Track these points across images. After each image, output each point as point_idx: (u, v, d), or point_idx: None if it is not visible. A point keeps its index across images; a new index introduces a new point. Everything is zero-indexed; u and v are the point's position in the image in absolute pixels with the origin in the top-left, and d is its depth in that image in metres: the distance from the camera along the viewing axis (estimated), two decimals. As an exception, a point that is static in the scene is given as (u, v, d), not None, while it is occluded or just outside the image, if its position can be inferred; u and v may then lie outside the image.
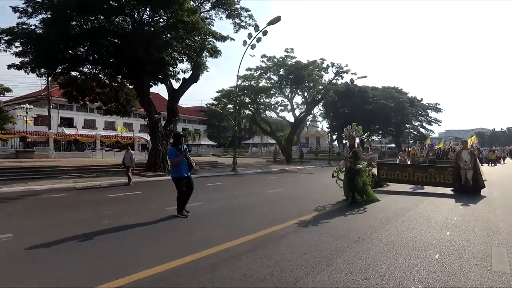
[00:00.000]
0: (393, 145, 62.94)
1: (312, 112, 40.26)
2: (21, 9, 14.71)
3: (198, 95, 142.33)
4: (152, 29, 17.16)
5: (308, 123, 56.10)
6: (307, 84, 33.52)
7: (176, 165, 6.90)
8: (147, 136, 38.90)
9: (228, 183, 14.40)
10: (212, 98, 39.50)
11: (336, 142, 51.78)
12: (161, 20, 17.06)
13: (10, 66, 16.09)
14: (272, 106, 36.02)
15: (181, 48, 16.99)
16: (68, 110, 46.95)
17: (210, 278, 3.49)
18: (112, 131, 43.79)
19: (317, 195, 9.89)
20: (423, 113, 58.49)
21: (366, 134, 13.22)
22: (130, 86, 20.66)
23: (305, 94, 35.49)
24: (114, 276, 3.52)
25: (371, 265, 3.94)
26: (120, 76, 19.75)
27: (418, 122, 59.92)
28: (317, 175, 19.26)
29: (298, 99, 36.35)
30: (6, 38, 14.91)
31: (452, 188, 10.93)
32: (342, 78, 34.01)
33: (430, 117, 59.62)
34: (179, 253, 4.31)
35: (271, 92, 34.41)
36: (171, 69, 18.84)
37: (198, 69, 19.91)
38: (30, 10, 14.78)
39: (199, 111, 67.95)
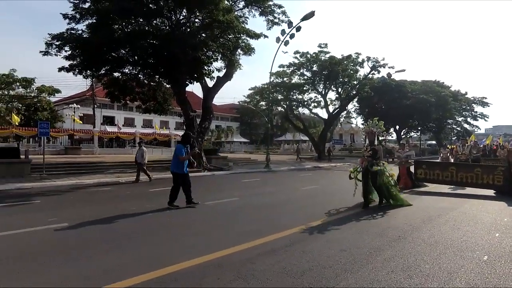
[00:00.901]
0: (434, 142, 59.69)
1: (346, 108, 39.20)
2: (70, 16, 15.84)
3: (231, 93, 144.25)
4: (188, 29, 17.71)
5: (342, 119, 54.81)
6: (341, 79, 32.78)
7: (181, 161, 7.49)
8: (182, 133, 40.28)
9: (261, 180, 14.54)
10: (244, 96, 40.05)
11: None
12: (197, 20, 17.54)
13: (60, 69, 17.39)
14: (305, 103, 35.62)
15: (215, 47, 17.35)
16: (110, 109, 49.69)
17: (250, 270, 3.61)
18: (150, 129, 45.80)
19: (353, 192, 9.69)
20: (468, 107, 54.80)
21: (384, 131, 10.13)
22: (168, 85, 21.45)
23: (339, 89, 34.71)
24: (161, 265, 3.75)
25: (413, 264, 3.84)
26: (158, 76, 20.59)
27: (462, 118, 56.32)
28: (352, 172, 18.82)
29: (331, 95, 35.52)
30: (57, 43, 16.11)
31: (495, 191, 9.77)
32: (379, 72, 32.88)
33: (476, 112, 55.73)
34: (217, 247, 4.47)
35: (304, 88, 34.05)
36: (206, 68, 19.31)
37: (231, 67, 20.25)
38: (77, 16, 15.87)
39: (231, 108, 68.89)
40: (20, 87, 32.60)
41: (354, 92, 34.23)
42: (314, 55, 31.89)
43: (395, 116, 42.75)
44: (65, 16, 15.88)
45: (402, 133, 53.86)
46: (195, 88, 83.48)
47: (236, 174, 17.17)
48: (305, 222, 5.91)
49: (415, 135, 57.97)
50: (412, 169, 11.38)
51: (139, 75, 20.79)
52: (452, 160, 16.29)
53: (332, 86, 34.44)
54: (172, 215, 6.75)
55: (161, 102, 23.13)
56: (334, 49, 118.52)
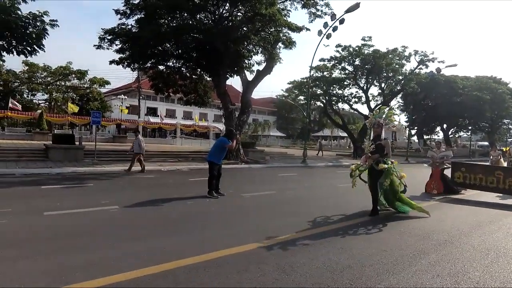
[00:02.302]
0: (486, 143, 55.19)
1: (389, 104, 37.49)
2: (121, 11, 16.75)
3: (268, 86, 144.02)
4: (230, 23, 17.93)
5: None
6: (385, 74, 31.37)
7: (223, 153, 8.03)
8: (221, 126, 41.16)
9: (298, 175, 14.48)
10: (282, 90, 39.84)
11: (415, 138, 47.60)
12: (239, 14, 17.69)
13: (111, 62, 18.51)
14: (345, 98, 34.61)
15: (257, 40, 17.42)
16: (153, 101, 51.99)
17: (290, 263, 3.66)
18: (190, 121, 47.34)
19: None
20: (529, 106, 49.78)
21: (393, 123, 6.56)
22: (208, 79, 21.96)
23: (382, 85, 33.24)
24: (202, 250, 3.94)
25: (461, 271, 3.66)
26: (199, 69, 21.16)
27: (521, 118, 51.30)
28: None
29: (374, 90, 34.27)
30: (109, 37, 17.15)
31: None
32: (427, 67, 30.99)
33: (537, 111, 50.45)
34: (258, 237, 4.58)
35: (345, 83, 33.05)
36: (246, 61, 19.48)
37: (271, 60, 20.22)
38: (128, 11, 16.73)
39: (269, 102, 68.90)
40: (75, 78, 35.28)
41: (398, 88, 32.62)
42: (357, 48, 30.76)
43: (443, 114, 40.09)
44: (116, 11, 16.84)
45: (450, 133, 50.46)
46: (234, 82, 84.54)
47: (272, 168, 17.25)
48: (342, 220, 5.84)
49: (465, 135, 54.00)
50: (447, 172, 9.95)
51: (182, 68, 21.52)
52: (505, 164, 14.63)
53: (375, 81, 33.06)
54: (212, 203, 7.00)
55: (202, 95, 23.79)
56: (379, 43, 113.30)
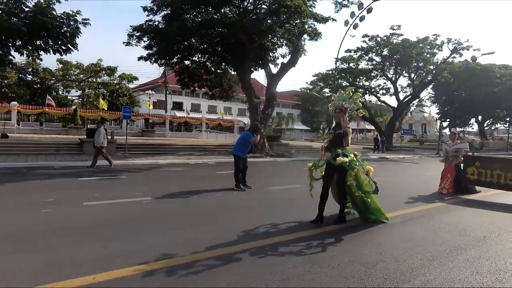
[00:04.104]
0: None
1: (419, 95, 36.04)
2: (149, 8, 17.14)
3: (292, 79, 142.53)
4: (255, 16, 17.86)
5: (413, 108, 50.69)
6: (415, 64, 30.18)
7: (247, 146, 8.12)
8: (245, 120, 41.34)
9: (324, 168, 14.31)
10: (307, 82, 39.30)
11: (447, 130, 45.52)
12: (263, 6, 17.56)
13: (139, 58, 19.05)
14: (372, 90, 33.65)
15: (281, 33, 17.26)
16: (179, 95, 53.00)
17: (321, 257, 3.67)
18: (214, 114, 47.89)
19: (424, 186, 9.00)
20: None
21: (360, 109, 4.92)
22: (233, 73, 22.08)
23: (412, 75, 32.02)
24: (236, 240, 4.03)
25: (503, 268, 3.50)
26: (224, 63, 21.31)
27: None
28: (422, 165, 17.44)
29: (403, 81, 33.23)
30: (137, 34, 17.62)
31: None
32: (461, 56, 29.51)
33: None
34: (286, 230, 4.61)
35: (372, 74, 32.13)
36: (271, 54, 19.39)
37: (296, 53, 19.98)
38: (155, 8, 17.08)
39: (293, 95, 68.22)
40: (105, 75, 36.62)
41: (429, 78, 31.28)
42: (385, 38, 29.76)
43: (478, 105, 38.03)
44: (144, 8, 17.25)
45: (485, 125, 47.83)
46: (257, 75, 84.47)
47: (297, 162, 17.15)
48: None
49: (503, 127, 50.96)
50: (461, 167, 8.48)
51: (207, 63, 21.78)
52: None
53: (404, 72, 31.92)
54: (240, 196, 7.10)
55: (226, 89, 24.01)
56: (409, 31, 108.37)
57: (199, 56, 20.98)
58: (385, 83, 33.56)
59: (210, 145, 21.66)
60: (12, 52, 15.81)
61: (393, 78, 32.36)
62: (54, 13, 14.77)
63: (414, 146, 38.01)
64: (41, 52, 15.72)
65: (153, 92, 38.76)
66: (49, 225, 4.55)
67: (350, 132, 5.05)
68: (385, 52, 30.23)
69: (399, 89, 33.60)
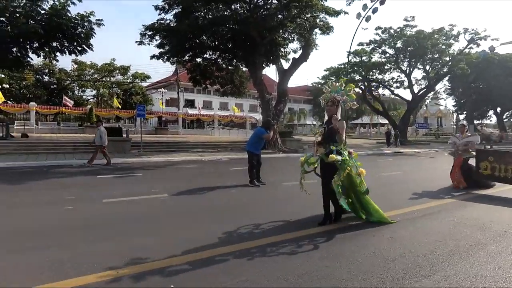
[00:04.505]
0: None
1: (435, 88, 35.22)
2: (160, 7, 17.28)
3: (304, 74, 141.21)
4: (265, 11, 17.78)
5: (428, 101, 49.59)
6: (430, 56, 29.46)
7: (260, 142, 8.16)
8: (257, 116, 41.34)
9: (338, 163, 14.21)
10: (318, 77, 38.89)
11: (465, 123, 44.35)
12: (274, 1, 17.46)
13: (152, 57, 19.28)
14: (386, 83, 33.05)
15: (293, 27, 17.14)
16: (190, 93, 53.42)
17: (339, 250, 3.68)
18: (226, 111, 48.08)
19: (443, 181, 8.82)
20: None
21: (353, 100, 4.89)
22: (245, 69, 22.09)
23: (427, 67, 31.28)
24: (253, 235, 4.07)
25: (527, 263, 3.43)
26: (235, 60, 21.34)
27: None
28: (439, 159, 17.07)
29: (417, 73, 32.51)
30: (150, 33, 17.82)
31: None
32: (478, 46, 28.61)
33: None
34: (302, 225, 4.63)
35: (385, 67, 31.55)
36: (282, 49, 19.28)
37: (308, 48, 19.82)
38: (166, 6, 17.21)
39: (304, 90, 67.71)
40: (119, 74, 37.23)
41: (445, 70, 30.48)
42: (398, 30, 29.11)
43: (496, 97, 36.90)
44: (156, 7, 17.41)
45: (504, 117, 46.41)
46: (268, 71, 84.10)
47: (310, 157, 17.10)
48: (388, 209, 5.68)
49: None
50: (472, 162, 8.13)
51: (218, 60, 21.87)
52: None
53: (419, 64, 31.21)
54: (254, 191, 7.15)
55: (238, 85, 24.09)
56: (423, 23, 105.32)
57: (210, 53, 21.09)
58: (399, 76, 32.92)
59: (222, 142, 21.79)
60: (30, 54, 16.27)
61: (407, 71, 31.70)
62: (69, 14, 15.07)
63: (429, 139, 37.25)
64: (57, 54, 16.07)
65: (166, 90, 39.23)
66: (72, 222, 4.70)
67: (343, 126, 4.67)
68: (398, 45, 29.60)
69: (414, 81, 32.92)
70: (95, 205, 5.69)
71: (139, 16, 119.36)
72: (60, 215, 5.04)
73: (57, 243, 3.80)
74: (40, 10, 14.65)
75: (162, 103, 34.35)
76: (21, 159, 12.10)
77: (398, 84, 33.02)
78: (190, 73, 22.07)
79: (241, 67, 22.92)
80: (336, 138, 4.58)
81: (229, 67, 22.77)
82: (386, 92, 36.45)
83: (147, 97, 39.50)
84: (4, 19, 14.47)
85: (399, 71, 32.03)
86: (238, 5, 18.00)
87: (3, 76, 27.72)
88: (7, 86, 29.92)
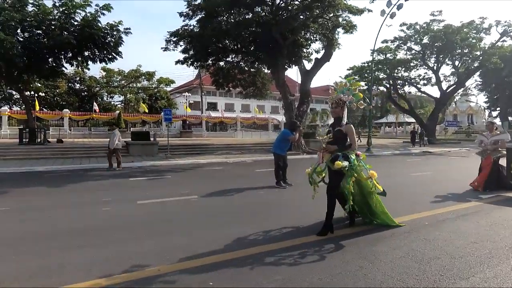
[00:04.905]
0: None
1: (465, 84, 33.78)
2: (184, 13, 17.76)
3: (325, 74, 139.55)
4: (287, 13, 17.80)
5: (457, 97, 47.58)
6: (459, 50, 28.34)
7: (286, 144, 8.23)
8: (279, 117, 41.34)
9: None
10: (340, 76, 38.30)
11: (498, 120, 42.22)
12: (295, 2, 17.46)
13: (176, 62, 19.82)
14: (412, 80, 32.09)
15: (315, 28, 17.08)
16: (213, 96, 54.15)
17: (372, 252, 3.68)
18: (248, 113, 48.38)
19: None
20: None
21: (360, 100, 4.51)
22: (267, 71, 22.22)
23: (456, 63, 30.10)
24: (283, 236, 4.15)
25: None
26: (258, 62, 21.50)
27: None
28: (471, 159, 16.35)
29: (446, 69, 31.32)
30: (174, 39, 18.34)
31: None
32: (512, 38, 27.16)
33: None
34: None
35: (411, 64, 30.65)
36: (305, 50, 19.24)
37: (330, 47, 19.65)
38: (190, 13, 17.66)
39: (326, 90, 66.69)
40: (145, 79, 38.48)
41: (476, 65, 29.19)
42: (424, 25, 28.24)
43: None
44: (180, 14, 17.90)
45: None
46: (290, 72, 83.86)
47: (335, 158, 16.94)
48: (419, 210, 5.58)
49: None
50: (503, 162, 7.53)
51: (241, 63, 22.13)
52: None
53: (447, 60, 30.09)
54: (282, 193, 7.22)
55: (260, 87, 24.29)
56: (451, 17, 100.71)
57: (233, 56, 21.37)
58: (426, 73, 31.91)
59: (246, 144, 21.99)
60: (64, 64, 17.22)
61: (435, 67, 30.63)
62: (99, 25, 15.82)
63: (459, 138, 35.74)
64: (89, 62, 16.90)
65: (190, 94, 40.07)
66: (111, 222, 4.98)
67: (353, 130, 4.31)
68: (425, 40, 28.69)
69: (442, 78, 31.78)
70: (130, 206, 5.97)
71: (162, 23, 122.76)
72: (101, 215, 5.35)
73: (101, 241, 4.04)
74: (73, 21, 15.47)
75: (186, 107, 35.12)
76: (58, 163, 12.83)
77: (425, 81, 31.99)
78: (213, 77, 22.47)
79: (263, 69, 23.07)
80: (344, 142, 4.26)
81: (251, 70, 22.99)
82: (412, 90, 35.35)
83: (171, 101, 40.52)
84: (41, 32, 15.45)
85: (426, 67, 31.04)
86: (260, 8, 18.15)
87: (39, 85, 29.41)
88: (43, 94, 31.77)
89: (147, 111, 29.99)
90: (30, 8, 15.01)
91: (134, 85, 39.14)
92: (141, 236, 4.28)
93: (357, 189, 4.57)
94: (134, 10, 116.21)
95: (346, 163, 4.12)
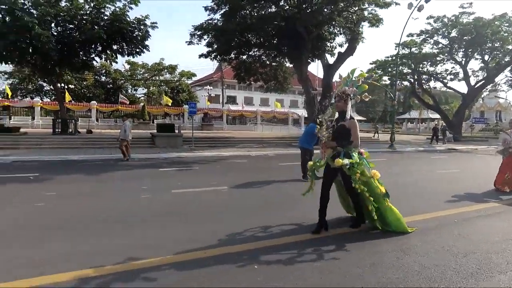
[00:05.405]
0: None
1: (495, 79, 32.41)
2: (210, 7, 17.97)
3: (347, 68, 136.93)
4: (311, 6, 17.67)
5: (485, 93, 45.72)
6: (489, 44, 27.21)
7: (314, 138, 8.04)
8: (298, 111, 41.18)
9: (388, 160, 13.88)
10: (362, 71, 37.44)
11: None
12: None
13: (200, 56, 20.13)
14: (438, 75, 31.13)
15: (341, 21, 16.89)
16: (232, 89, 54.42)
17: (406, 244, 3.78)
18: (267, 107, 48.38)
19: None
20: None
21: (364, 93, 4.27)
22: (290, 65, 22.18)
23: (486, 57, 28.92)
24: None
25: None
26: (280, 56, 21.50)
27: None
28: (500, 157, 15.90)
29: (474, 64, 30.14)
30: (199, 33, 18.61)
31: None
32: (548, 32, 25.79)
33: None
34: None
35: (438, 58, 29.71)
36: (328, 44, 19.07)
37: (354, 41, 19.40)
38: (215, 7, 17.85)
39: (347, 84, 65.62)
40: (167, 73, 39.18)
41: (507, 59, 27.96)
42: (453, 18, 27.22)
43: None
44: (205, 8, 18.13)
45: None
46: (310, 66, 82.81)
47: (357, 153, 16.83)
48: (456, 206, 5.59)
49: None
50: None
51: (262, 57, 22.20)
52: None
53: (476, 54, 28.94)
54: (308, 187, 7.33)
55: (281, 81, 24.28)
56: (482, 9, 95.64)
57: (255, 50, 21.46)
58: (453, 67, 30.85)
59: (267, 138, 22.14)
60: (94, 57, 17.84)
61: (463, 62, 29.57)
62: (128, 19, 16.26)
63: (487, 136, 34.49)
64: (118, 55, 17.42)
65: (211, 88, 40.44)
66: (154, 209, 5.29)
67: (356, 126, 4.04)
68: (453, 34, 27.69)
69: (470, 73, 30.64)
70: (167, 195, 6.29)
71: (181, 15, 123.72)
72: (141, 202, 5.68)
73: (146, 226, 4.35)
74: (103, 16, 15.98)
75: (208, 100, 35.58)
76: (90, 153, 13.45)
77: (452, 76, 30.96)
78: (235, 70, 22.66)
79: (285, 63, 23.05)
80: (347, 137, 4.01)
81: (273, 64, 23.02)
82: (437, 85, 34.37)
83: (192, 94, 41.11)
84: (73, 26, 16.05)
85: (453, 62, 30.01)
86: (285, 1, 18.10)
87: (69, 77, 30.56)
88: (72, 86, 33.01)
89: (170, 103, 30.62)
90: (63, 3, 15.59)
91: (157, 78, 39.92)
92: (182, 221, 4.55)
93: (367, 192, 4.15)
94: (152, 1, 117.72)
95: (346, 161, 3.91)
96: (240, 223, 4.51)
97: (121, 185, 7.37)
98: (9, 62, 16.02)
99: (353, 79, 4.27)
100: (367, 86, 4.28)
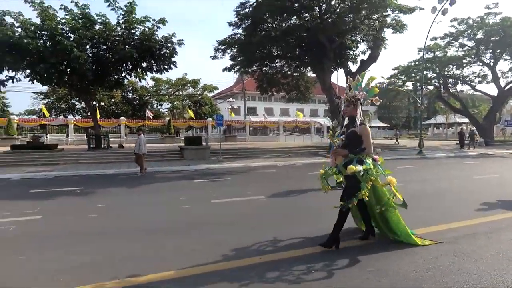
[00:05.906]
0: None
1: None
2: (234, 22, 18.56)
3: (368, 75, 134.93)
4: (333, 15, 17.86)
5: (516, 95, 43.78)
6: (519, 44, 26.28)
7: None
8: (321, 120, 41.04)
9: (419, 166, 13.59)
10: (383, 77, 37.08)
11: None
12: (342, 5, 17.48)
13: (224, 69, 20.72)
14: (465, 78, 30.28)
15: (365, 29, 16.97)
16: (252, 100, 55.10)
17: (460, 250, 3.77)
18: (287, 117, 48.51)
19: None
20: None
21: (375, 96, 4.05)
22: (313, 75, 22.36)
23: (516, 57, 27.92)
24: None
25: None
26: (302, 66, 21.73)
27: None
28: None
29: (503, 65, 29.12)
30: (223, 47, 19.20)
31: None
32: None
33: None
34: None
35: (464, 61, 28.96)
36: (351, 52, 19.12)
37: (377, 48, 19.39)
38: (239, 22, 18.42)
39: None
40: (190, 87, 40.33)
41: (538, 59, 26.88)
42: (478, 19, 26.61)
43: None
44: (230, 23, 18.74)
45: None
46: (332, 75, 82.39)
47: (387, 161, 16.54)
48: (499, 212, 5.46)
49: None
50: None
51: (284, 67, 22.52)
52: None
53: (505, 55, 28.02)
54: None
55: (303, 91, 24.43)
56: (508, 9, 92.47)
57: (277, 61, 21.83)
58: (481, 69, 29.96)
59: (291, 147, 22.21)
60: (125, 75, 18.75)
61: (491, 63, 28.67)
62: (156, 37, 17.06)
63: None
64: (147, 73, 18.24)
65: (234, 100, 41.19)
66: (195, 219, 5.51)
67: (368, 132, 3.80)
68: (479, 35, 27.02)
69: (499, 74, 29.60)
70: (207, 205, 6.51)
71: (198, 28, 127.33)
72: (182, 212, 5.93)
73: (188, 234, 4.55)
74: (134, 36, 16.85)
75: (231, 112, 36.26)
76: (124, 167, 14.03)
77: (480, 79, 30.02)
78: (258, 82, 23.07)
79: (307, 73, 23.24)
80: (360, 143, 3.78)
81: (295, 74, 23.28)
82: (464, 89, 33.30)
83: (214, 107, 41.96)
84: (106, 47, 17.02)
85: (481, 64, 29.15)
86: (306, 12, 18.42)
87: (102, 95, 32.10)
88: (103, 104, 34.62)
89: (194, 117, 31.42)
90: (97, 26, 16.60)
91: (180, 92, 41.16)
92: (226, 231, 4.73)
93: (374, 199, 4.03)
94: (166, 14, 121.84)
95: (360, 167, 3.66)
96: (276, 232, 4.63)
97: (161, 196, 7.68)
98: (49, 84, 17.13)
99: (362, 83, 4.05)
100: (378, 90, 4.09)
